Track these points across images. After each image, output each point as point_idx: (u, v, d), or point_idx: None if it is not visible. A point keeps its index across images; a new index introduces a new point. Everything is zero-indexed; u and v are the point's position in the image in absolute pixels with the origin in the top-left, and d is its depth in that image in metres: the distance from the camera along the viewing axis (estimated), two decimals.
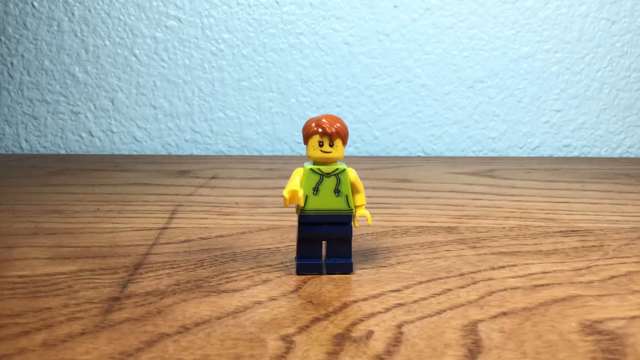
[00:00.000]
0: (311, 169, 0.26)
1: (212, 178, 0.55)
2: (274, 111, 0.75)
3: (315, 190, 0.26)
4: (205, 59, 0.74)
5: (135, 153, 0.75)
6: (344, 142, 0.26)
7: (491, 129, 0.76)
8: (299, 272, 0.27)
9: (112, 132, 0.75)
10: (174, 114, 0.74)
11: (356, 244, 0.32)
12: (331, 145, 0.26)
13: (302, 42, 0.74)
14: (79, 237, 0.33)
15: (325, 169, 0.26)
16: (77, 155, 0.73)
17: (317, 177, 0.26)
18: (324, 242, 0.27)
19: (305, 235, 0.26)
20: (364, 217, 0.29)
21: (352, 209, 0.26)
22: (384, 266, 0.28)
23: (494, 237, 0.34)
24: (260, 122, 0.75)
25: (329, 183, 0.26)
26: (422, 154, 0.76)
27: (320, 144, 0.26)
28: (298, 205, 0.26)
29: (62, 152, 0.75)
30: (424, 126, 0.76)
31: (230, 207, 0.42)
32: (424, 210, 0.41)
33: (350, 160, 0.70)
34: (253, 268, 0.28)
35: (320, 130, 0.25)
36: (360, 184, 0.27)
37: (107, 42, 0.73)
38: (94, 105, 0.74)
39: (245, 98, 0.75)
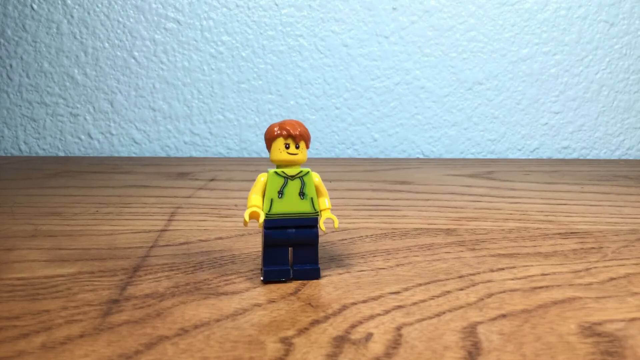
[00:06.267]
0: (275, 172, 0.26)
1: (211, 180, 0.55)
2: (273, 113, 0.75)
3: (280, 193, 0.26)
4: (204, 61, 0.74)
5: (134, 155, 0.75)
6: (307, 145, 0.26)
7: (490, 130, 0.76)
8: (266, 279, 0.26)
9: (111, 134, 0.75)
10: (173, 116, 0.74)
11: (355, 245, 0.32)
12: (297, 147, 0.26)
13: (301, 44, 0.74)
14: (77, 240, 0.33)
15: (290, 171, 0.26)
16: (76, 157, 0.73)
17: (281, 180, 0.26)
18: (290, 248, 0.27)
19: (272, 240, 0.26)
20: (330, 220, 0.29)
21: (317, 212, 0.26)
22: (383, 268, 0.28)
23: (493, 239, 0.34)
24: (260, 124, 0.75)
25: (294, 186, 0.26)
26: (421, 156, 0.76)
27: (287, 146, 0.26)
28: (262, 208, 0.26)
29: (61, 154, 0.75)
30: (423, 128, 0.76)
31: (229, 209, 0.42)
32: (423, 212, 0.41)
33: (350, 162, 0.70)
34: (252, 270, 0.28)
35: (284, 133, 0.25)
36: (324, 188, 0.27)
37: (106, 45, 0.74)
38: (93, 107, 0.74)
39: (244, 100, 0.75)
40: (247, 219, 0.26)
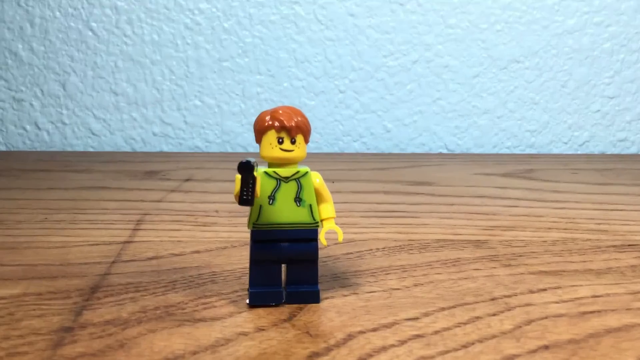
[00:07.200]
0: (265, 173, 0.26)
1: (187, 180, 0.55)
2: (262, 98, 0.75)
3: (271, 198, 0.26)
4: (177, 33, 0.74)
5: (91, 150, 0.75)
6: (306, 139, 0.26)
7: (529, 119, 0.76)
8: (252, 302, 0.26)
9: (64, 123, 0.75)
10: (139, 102, 0.75)
11: (363, 261, 0.32)
12: (293, 142, 0.25)
13: (297, 13, 0.74)
14: (22, 254, 0.33)
15: (284, 172, 0.26)
16: (20, 152, 0.73)
17: (273, 183, 0.26)
18: (284, 265, 0.27)
19: (260, 255, 0.26)
20: (332, 232, 0.28)
21: (317, 222, 0.26)
22: (398, 289, 0.28)
23: (533, 252, 0.34)
24: (246, 111, 0.75)
25: (288, 189, 0.26)
26: (444, 151, 0.76)
27: (280, 141, 0.25)
28: (250, 217, 0.26)
29: (2, 148, 0.75)
30: (447, 116, 0.76)
31: (209, 216, 0.42)
32: (446, 220, 0.42)
33: (356, 158, 0.70)
34: (237, 291, 0.28)
35: (277, 124, 0.25)
36: (327, 192, 0.27)
37: (58, 14, 0.74)
38: (41, 90, 0.74)
39: (227, 82, 0.75)
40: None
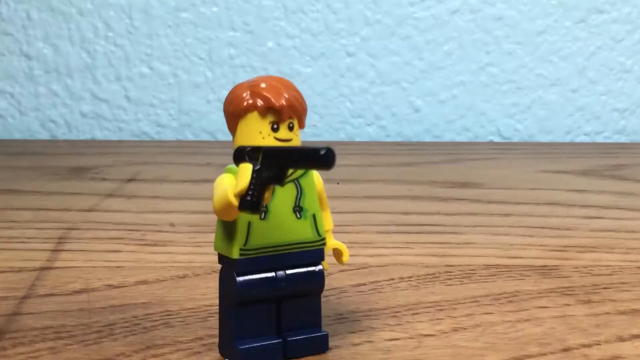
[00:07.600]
0: None
1: (130, 181, 0.55)
2: (237, 63, 0.75)
3: (264, 210, 0.25)
4: None
5: None
6: (301, 123, 0.26)
7: (618, 94, 0.76)
8: None
9: None
10: (61, 69, 0.74)
11: (380, 295, 0.33)
12: (290, 128, 0.25)
13: None
14: None
15: None
16: None
17: None
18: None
19: (250, 295, 0.25)
20: (336, 252, 0.28)
21: (322, 239, 0.26)
22: (431, 335, 0.28)
23: (624, 283, 0.34)
24: (213, 82, 0.75)
25: (285, 196, 0.25)
26: (497, 139, 0.76)
27: (274, 127, 0.25)
28: (225, 238, 0.25)
29: None
30: (501, 89, 0.76)
31: (161, 231, 0.42)
32: (500, 238, 0.42)
33: (371, 149, 0.70)
34: (201, 339, 0.28)
35: (261, 103, 0.25)
36: (325, 197, 0.27)
37: None
38: None
39: (186, 41, 0.74)
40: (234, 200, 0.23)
